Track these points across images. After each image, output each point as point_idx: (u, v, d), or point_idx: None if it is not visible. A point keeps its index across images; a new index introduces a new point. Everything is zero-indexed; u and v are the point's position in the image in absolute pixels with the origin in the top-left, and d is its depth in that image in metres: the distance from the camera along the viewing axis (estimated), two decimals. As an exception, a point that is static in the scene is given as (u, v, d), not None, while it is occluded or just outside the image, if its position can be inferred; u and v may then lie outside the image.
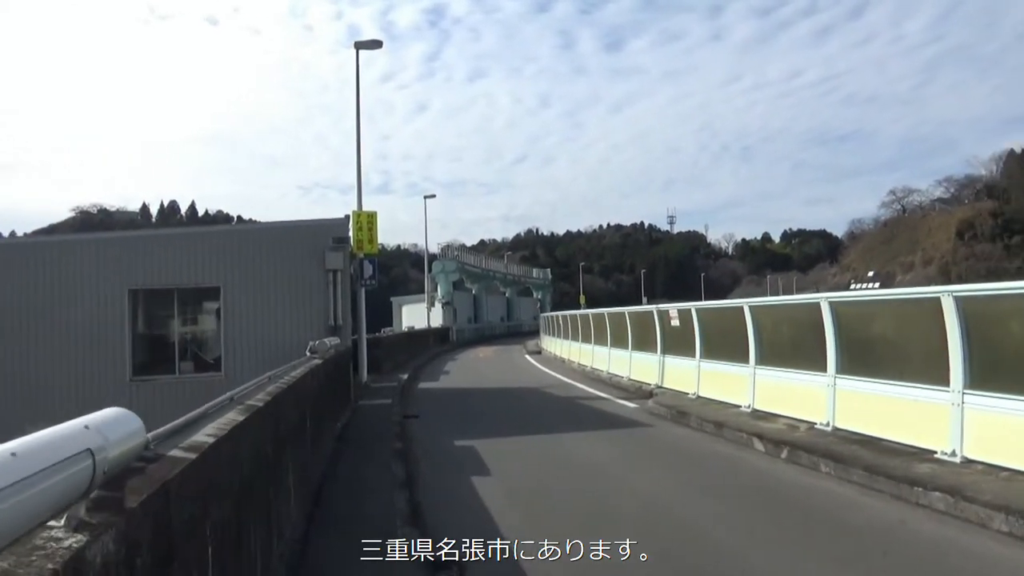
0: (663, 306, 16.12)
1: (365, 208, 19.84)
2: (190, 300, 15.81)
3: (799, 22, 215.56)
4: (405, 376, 22.28)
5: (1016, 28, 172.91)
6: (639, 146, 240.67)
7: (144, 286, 15.59)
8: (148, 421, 2.40)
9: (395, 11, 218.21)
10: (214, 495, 3.03)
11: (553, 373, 23.36)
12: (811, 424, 9.71)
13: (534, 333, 59.89)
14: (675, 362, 15.14)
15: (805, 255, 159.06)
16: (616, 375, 18.77)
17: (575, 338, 25.98)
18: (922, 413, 7.84)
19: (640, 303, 66.05)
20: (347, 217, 17.16)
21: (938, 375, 7.61)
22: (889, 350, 8.92)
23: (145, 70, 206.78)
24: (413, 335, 37.66)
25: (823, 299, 9.75)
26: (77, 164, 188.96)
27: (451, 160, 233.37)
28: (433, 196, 55.05)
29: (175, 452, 2.73)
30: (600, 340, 21.66)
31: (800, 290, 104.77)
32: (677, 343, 15.24)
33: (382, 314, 57.13)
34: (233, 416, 3.84)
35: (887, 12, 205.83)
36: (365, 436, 11.36)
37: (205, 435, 3.18)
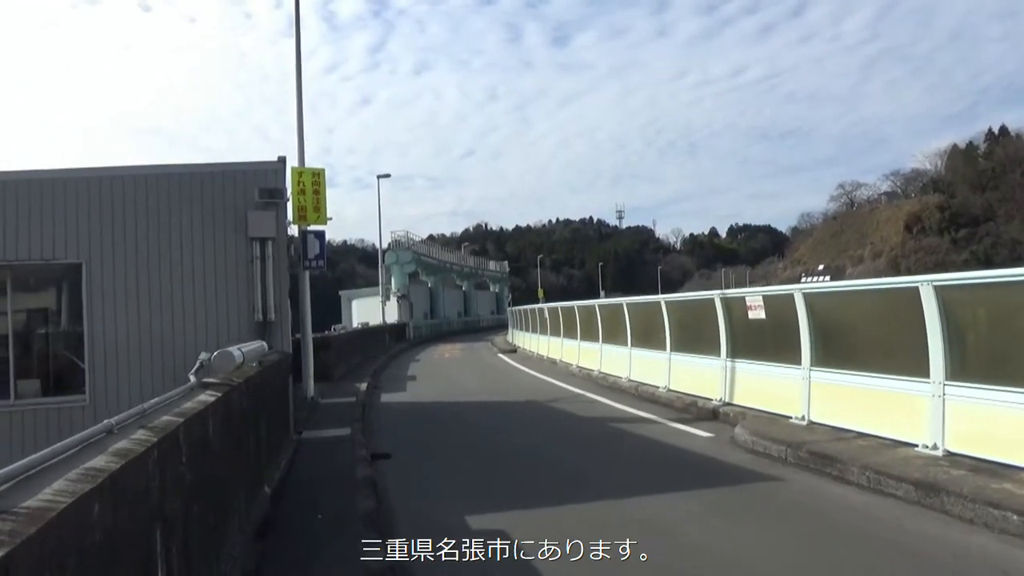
0: (732, 292, 11.74)
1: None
2: (33, 283, 10.32)
3: (742, 19, 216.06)
4: (363, 386, 17.40)
5: (948, 29, 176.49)
6: (587, 141, 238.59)
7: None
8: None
9: (338, 0, 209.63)
10: None
11: (547, 378, 18.80)
12: None
13: (495, 328, 55.57)
14: (754, 370, 10.76)
15: (751, 250, 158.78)
16: (643, 383, 14.32)
17: (569, 335, 21.47)
18: None
19: (598, 296, 62.17)
20: (282, 161, 11.21)
21: None
22: None
23: (73, 56, 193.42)
24: (367, 333, 32.58)
25: None
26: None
27: (397, 154, 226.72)
28: (388, 176, 50.87)
29: None
30: (613, 338, 17.17)
31: (752, 283, 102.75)
32: (757, 344, 10.89)
33: (329, 309, 51.60)
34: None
35: (826, 11, 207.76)
36: (313, 515, 6.57)
37: None
